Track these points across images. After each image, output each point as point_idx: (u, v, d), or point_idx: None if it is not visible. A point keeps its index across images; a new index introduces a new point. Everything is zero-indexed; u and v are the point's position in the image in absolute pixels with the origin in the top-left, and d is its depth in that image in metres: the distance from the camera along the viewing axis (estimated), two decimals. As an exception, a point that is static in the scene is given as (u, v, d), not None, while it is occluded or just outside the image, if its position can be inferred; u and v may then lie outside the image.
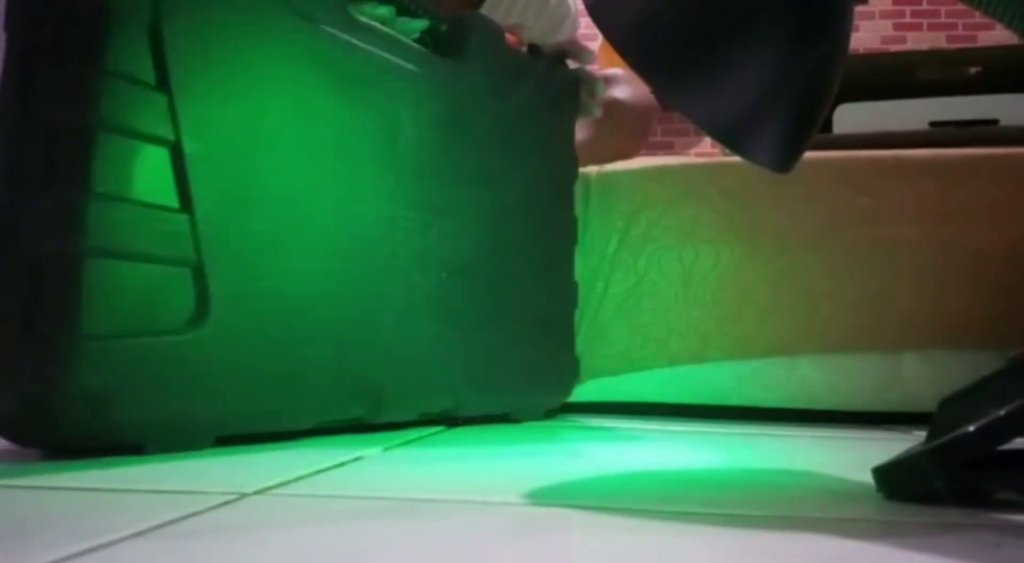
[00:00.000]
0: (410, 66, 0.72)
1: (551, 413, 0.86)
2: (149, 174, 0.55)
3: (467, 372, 0.75)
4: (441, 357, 0.74)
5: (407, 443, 0.63)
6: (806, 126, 0.45)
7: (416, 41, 0.75)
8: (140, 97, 0.54)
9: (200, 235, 0.56)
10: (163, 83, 0.55)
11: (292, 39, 0.63)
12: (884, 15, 3.10)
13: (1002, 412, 0.39)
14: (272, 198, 0.61)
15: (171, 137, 0.55)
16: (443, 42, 0.78)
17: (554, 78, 0.87)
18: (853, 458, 0.62)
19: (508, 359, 0.79)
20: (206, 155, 0.57)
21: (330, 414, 0.65)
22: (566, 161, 0.87)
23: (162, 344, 0.54)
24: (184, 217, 0.56)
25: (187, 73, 0.56)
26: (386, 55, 0.70)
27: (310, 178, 0.63)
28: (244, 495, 0.41)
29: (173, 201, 0.56)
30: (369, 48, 0.68)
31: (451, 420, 0.76)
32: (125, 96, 0.54)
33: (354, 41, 0.67)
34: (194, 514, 0.37)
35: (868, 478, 0.46)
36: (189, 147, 0.56)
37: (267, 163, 0.61)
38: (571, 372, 0.88)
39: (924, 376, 0.87)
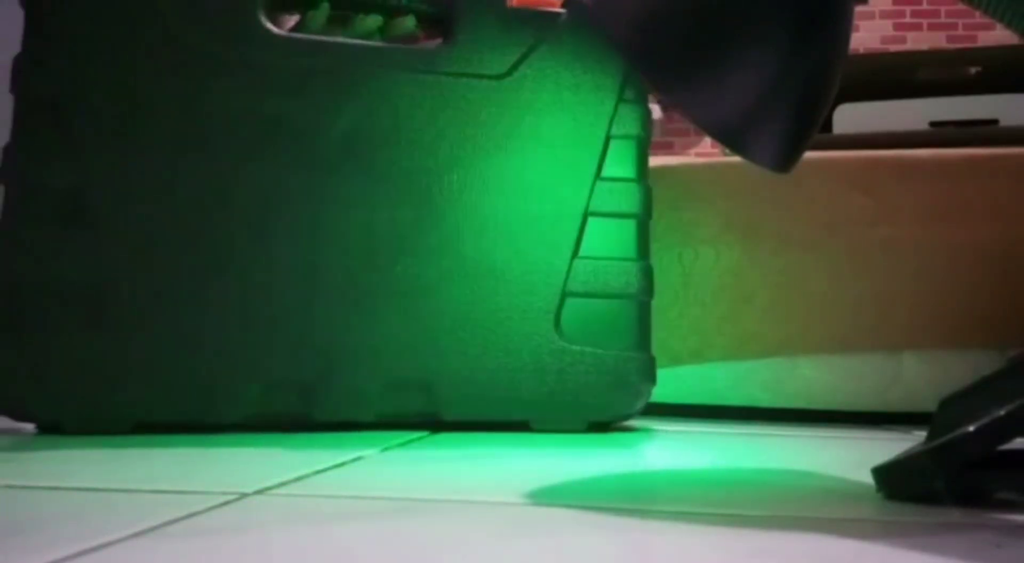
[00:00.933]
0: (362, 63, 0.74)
1: (601, 426, 0.76)
2: None
3: (445, 368, 0.72)
4: (403, 351, 0.71)
5: (407, 443, 0.63)
6: (806, 126, 0.45)
7: (406, 35, 0.77)
8: None
9: None
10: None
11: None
12: (884, 15, 3.10)
13: (1002, 412, 0.39)
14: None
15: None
16: (433, 27, 0.78)
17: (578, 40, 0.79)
18: (853, 458, 0.62)
19: (513, 355, 0.73)
20: None
21: (256, 409, 0.68)
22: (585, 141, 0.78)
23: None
24: None
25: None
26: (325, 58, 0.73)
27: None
28: (244, 495, 0.41)
29: None
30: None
31: (437, 425, 0.72)
32: None
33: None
34: (194, 514, 0.37)
35: (868, 478, 0.46)
36: None
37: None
38: (640, 374, 0.76)
39: (924, 376, 0.87)
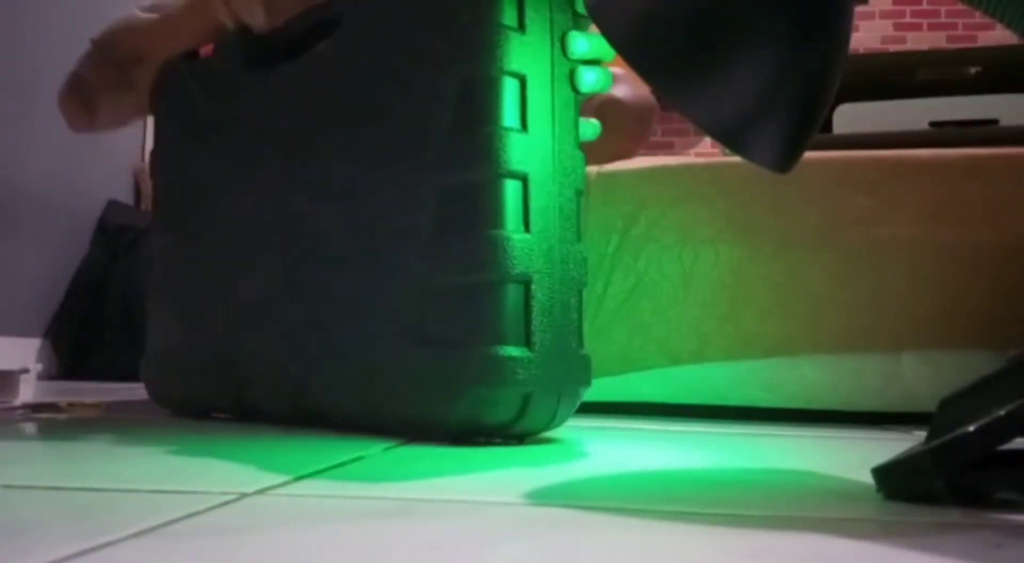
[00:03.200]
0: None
1: (463, 437, 0.62)
2: None
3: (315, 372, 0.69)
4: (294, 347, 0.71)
5: (407, 443, 0.63)
6: (806, 126, 0.45)
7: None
8: None
9: None
10: None
11: None
12: (884, 15, 3.10)
13: (1002, 412, 0.39)
14: None
15: None
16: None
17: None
18: (853, 458, 0.62)
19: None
20: None
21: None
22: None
23: None
24: None
25: None
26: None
27: None
28: (244, 495, 0.41)
29: None
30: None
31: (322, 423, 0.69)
32: None
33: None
34: (194, 514, 0.37)
35: (868, 478, 0.46)
36: None
37: None
38: (518, 373, 0.58)
39: (924, 376, 0.87)
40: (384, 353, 0.63)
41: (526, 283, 0.58)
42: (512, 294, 0.58)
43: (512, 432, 0.61)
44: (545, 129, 0.60)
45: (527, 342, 0.58)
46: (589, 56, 0.64)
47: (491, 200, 0.58)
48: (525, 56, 0.60)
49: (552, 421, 0.61)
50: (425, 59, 0.62)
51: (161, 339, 0.86)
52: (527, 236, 0.59)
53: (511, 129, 0.59)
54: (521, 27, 0.60)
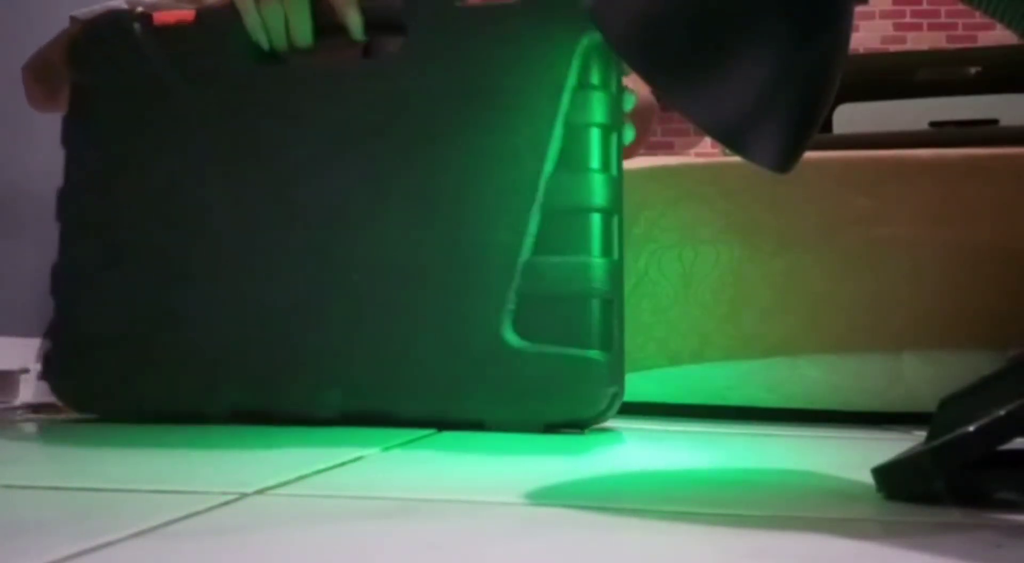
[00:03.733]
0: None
1: (553, 427, 0.72)
2: None
3: (396, 370, 0.73)
4: (358, 354, 0.74)
5: (407, 443, 0.63)
6: (806, 126, 0.45)
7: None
8: None
9: None
10: None
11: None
12: (884, 15, 3.10)
13: (1002, 412, 0.39)
14: None
15: None
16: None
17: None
18: (853, 458, 0.62)
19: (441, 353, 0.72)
20: None
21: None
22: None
23: None
24: None
25: None
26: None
27: None
28: (244, 495, 0.41)
29: None
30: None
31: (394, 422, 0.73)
32: None
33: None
34: (194, 514, 0.37)
35: (868, 478, 0.46)
36: None
37: None
38: (601, 375, 0.71)
39: (924, 376, 0.87)
40: (469, 358, 0.72)
41: (609, 299, 0.72)
42: (599, 307, 0.71)
43: (598, 422, 0.74)
44: (616, 169, 0.74)
45: (609, 347, 0.71)
46: (628, 108, 0.80)
47: (584, 229, 0.72)
48: (606, 109, 0.74)
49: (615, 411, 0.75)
50: (526, 103, 0.74)
51: (95, 336, 0.80)
52: (608, 260, 0.72)
53: (598, 171, 0.72)
54: (605, 86, 0.74)
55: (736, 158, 0.49)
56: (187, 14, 0.81)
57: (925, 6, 3.09)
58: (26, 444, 0.66)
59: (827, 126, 1.20)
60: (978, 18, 3.03)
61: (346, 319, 0.74)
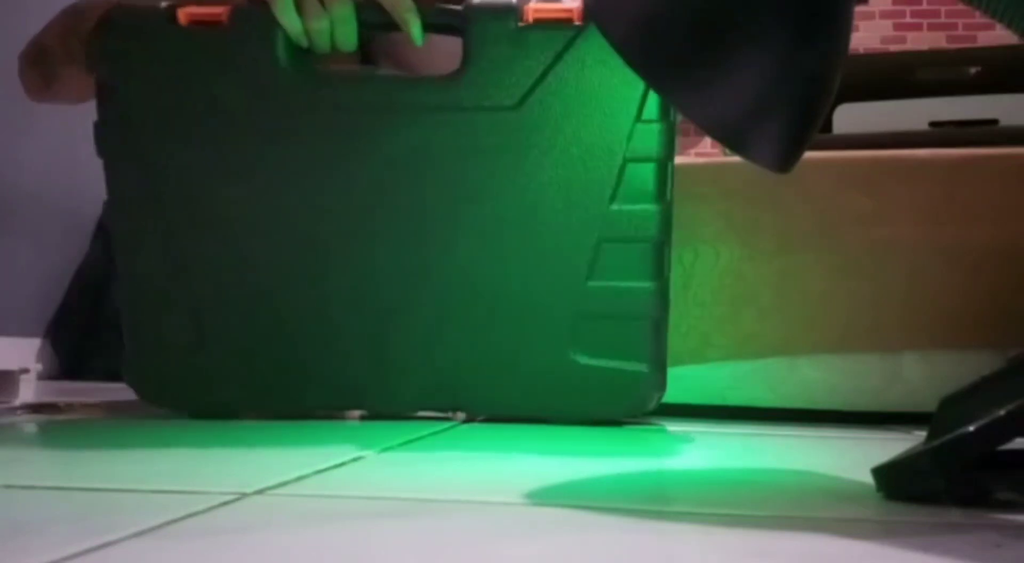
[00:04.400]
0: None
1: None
2: None
3: (470, 382, 0.78)
4: (437, 367, 0.78)
5: (407, 443, 0.63)
6: (807, 126, 0.45)
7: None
8: None
9: None
10: None
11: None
12: (884, 15, 3.10)
13: (1002, 412, 0.39)
14: None
15: None
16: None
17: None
18: (853, 458, 0.62)
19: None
20: None
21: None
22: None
23: None
24: None
25: None
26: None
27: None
28: (244, 495, 0.41)
29: None
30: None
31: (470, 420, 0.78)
32: None
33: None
34: (194, 514, 0.37)
35: (868, 478, 0.46)
36: None
37: None
38: (650, 385, 0.78)
39: (924, 376, 0.87)
40: (536, 369, 0.77)
41: (657, 319, 0.78)
42: (650, 327, 0.77)
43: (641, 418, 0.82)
44: (669, 195, 0.77)
45: (657, 360, 0.78)
46: None
47: (640, 257, 0.77)
48: (663, 142, 0.76)
49: None
50: (589, 137, 0.76)
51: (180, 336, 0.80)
52: (658, 283, 0.77)
53: (652, 202, 0.76)
54: (663, 118, 0.76)
55: (736, 158, 0.49)
56: (217, 12, 0.77)
57: (925, 6, 3.09)
58: (26, 444, 0.66)
59: (827, 126, 1.20)
60: (978, 18, 3.03)
61: (427, 332, 0.78)
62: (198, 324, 0.78)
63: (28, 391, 1.01)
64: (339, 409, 0.82)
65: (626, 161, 0.76)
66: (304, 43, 0.77)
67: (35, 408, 0.88)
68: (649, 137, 0.76)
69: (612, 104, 0.76)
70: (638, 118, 0.76)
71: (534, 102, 0.76)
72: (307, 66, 0.79)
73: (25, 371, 1.01)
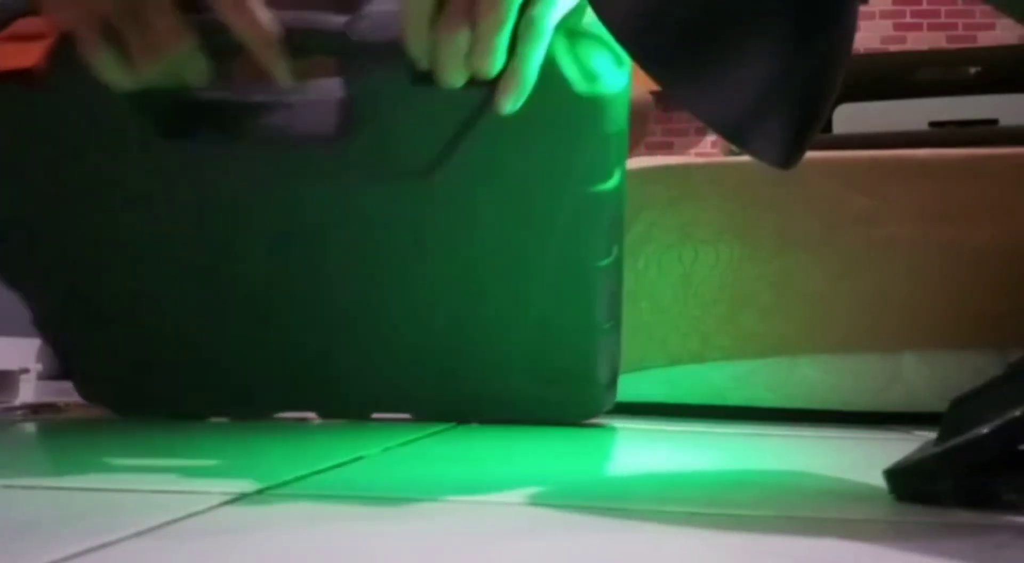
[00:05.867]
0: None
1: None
2: None
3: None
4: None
5: (407, 443, 0.63)
6: (810, 122, 0.45)
7: None
8: None
9: None
10: None
11: None
12: (884, 15, 3.10)
13: (1017, 413, 0.39)
14: None
15: None
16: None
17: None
18: (853, 458, 0.62)
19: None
20: None
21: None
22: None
23: None
24: None
25: None
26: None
27: None
28: (244, 495, 0.41)
29: None
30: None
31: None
32: None
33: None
34: (194, 514, 0.36)
35: (869, 478, 0.46)
36: None
37: None
38: (603, 388, 0.78)
39: (924, 376, 0.87)
40: (513, 385, 0.76)
41: (605, 342, 0.75)
42: (598, 350, 0.74)
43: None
44: (618, 256, 0.71)
45: (608, 373, 0.77)
46: None
47: (586, 305, 0.72)
48: (610, 206, 0.68)
49: None
50: (519, 207, 0.67)
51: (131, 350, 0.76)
52: (609, 325, 0.73)
53: (604, 257, 0.70)
54: (607, 178, 0.66)
55: (736, 158, 0.49)
56: (31, 59, 0.60)
57: (925, 6, 3.09)
58: (26, 444, 0.66)
59: (827, 126, 1.20)
60: (978, 18, 3.04)
61: (375, 352, 0.75)
62: (140, 341, 0.75)
63: (28, 391, 1.01)
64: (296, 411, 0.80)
65: (566, 227, 0.67)
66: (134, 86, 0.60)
67: (35, 408, 0.88)
68: (591, 204, 0.66)
69: (546, 171, 0.65)
70: (578, 185, 0.65)
71: (447, 170, 0.64)
72: (156, 117, 0.63)
73: (25, 371, 1.01)
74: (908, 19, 3.07)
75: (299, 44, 0.60)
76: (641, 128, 1.30)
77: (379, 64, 0.60)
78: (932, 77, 1.19)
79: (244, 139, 0.65)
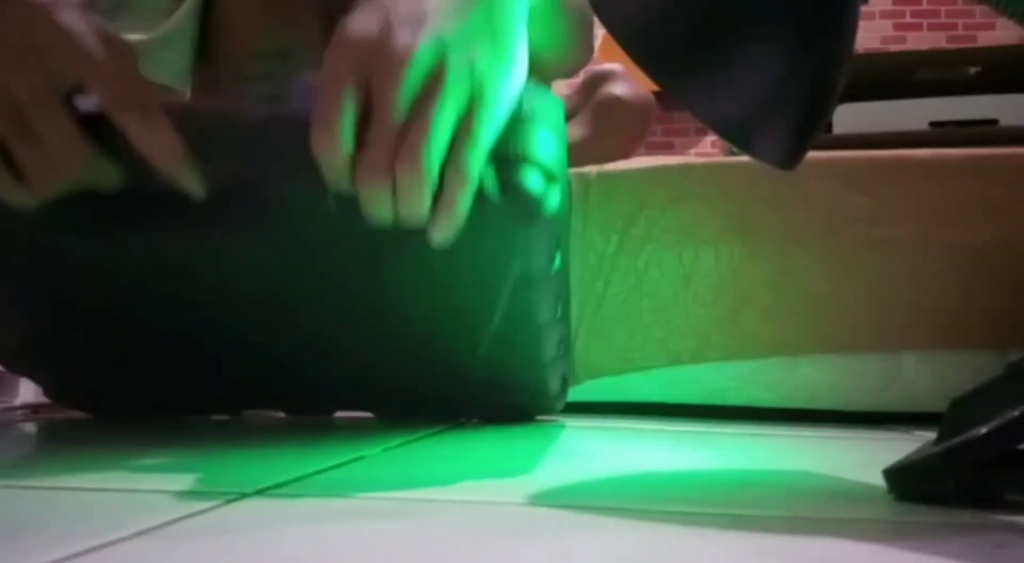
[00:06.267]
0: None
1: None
2: None
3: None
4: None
5: (407, 443, 0.63)
6: (812, 123, 0.45)
7: None
8: None
9: None
10: None
11: None
12: (884, 15, 3.10)
13: (1016, 413, 0.39)
14: None
15: None
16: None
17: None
18: (853, 458, 0.62)
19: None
20: None
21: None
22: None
23: None
24: None
25: None
26: None
27: None
28: (244, 495, 0.41)
29: None
30: None
31: None
32: None
33: None
34: (194, 514, 0.36)
35: (869, 478, 0.46)
36: None
37: None
38: (553, 385, 0.76)
39: (924, 376, 0.87)
40: (464, 395, 0.75)
41: (562, 370, 0.76)
42: (547, 367, 0.73)
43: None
44: (562, 317, 0.72)
45: (559, 380, 0.76)
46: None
47: (532, 335, 0.69)
48: (561, 276, 0.69)
49: None
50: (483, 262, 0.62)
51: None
52: (559, 352, 0.73)
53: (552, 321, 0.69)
54: (551, 263, 0.65)
55: (736, 158, 0.49)
56: None
57: (925, 6, 3.09)
58: (26, 444, 0.66)
59: (828, 126, 1.21)
60: (978, 18, 3.04)
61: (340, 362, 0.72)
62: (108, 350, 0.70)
63: (28, 391, 1.01)
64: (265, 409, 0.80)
65: (511, 302, 0.65)
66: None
67: (35, 408, 0.88)
68: (534, 284, 0.64)
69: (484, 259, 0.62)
70: (518, 281, 0.63)
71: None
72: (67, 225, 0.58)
73: (25, 371, 1.01)
74: (908, 19, 3.07)
75: (211, 148, 0.55)
76: (644, 127, 1.30)
77: (297, 177, 0.54)
78: (932, 77, 1.20)
79: (158, 227, 0.59)
